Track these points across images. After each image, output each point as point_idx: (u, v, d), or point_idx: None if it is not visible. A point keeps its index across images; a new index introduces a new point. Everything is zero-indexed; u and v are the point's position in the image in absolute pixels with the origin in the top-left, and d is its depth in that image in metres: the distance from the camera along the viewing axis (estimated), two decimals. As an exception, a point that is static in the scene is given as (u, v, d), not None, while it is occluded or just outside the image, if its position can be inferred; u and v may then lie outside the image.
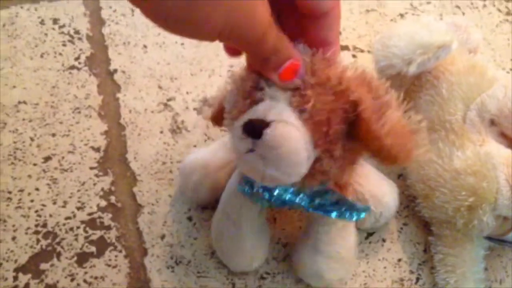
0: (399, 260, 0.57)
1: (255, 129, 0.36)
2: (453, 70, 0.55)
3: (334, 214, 0.47)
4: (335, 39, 0.39)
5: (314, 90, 0.37)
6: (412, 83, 0.58)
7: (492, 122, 0.54)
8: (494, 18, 0.76)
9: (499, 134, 0.54)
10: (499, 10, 0.77)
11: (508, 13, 0.76)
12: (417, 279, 0.56)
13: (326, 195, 0.46)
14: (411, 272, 0.57)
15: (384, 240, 0.58)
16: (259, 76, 0.38)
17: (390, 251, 0.58)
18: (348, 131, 0.38)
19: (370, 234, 0.58)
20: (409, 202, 0.60)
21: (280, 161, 0.36)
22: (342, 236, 0.51)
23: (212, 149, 0.57)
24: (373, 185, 0.54)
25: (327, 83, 0.37)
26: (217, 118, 0.47)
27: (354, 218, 0.48)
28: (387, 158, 0.38)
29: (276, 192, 0.45)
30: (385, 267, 0.57)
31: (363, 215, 0.49)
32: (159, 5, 0.30)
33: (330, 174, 0.40)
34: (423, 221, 0.59)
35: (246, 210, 0.50)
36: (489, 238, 0.54)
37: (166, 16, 0.31)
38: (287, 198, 0.46)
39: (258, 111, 0.37)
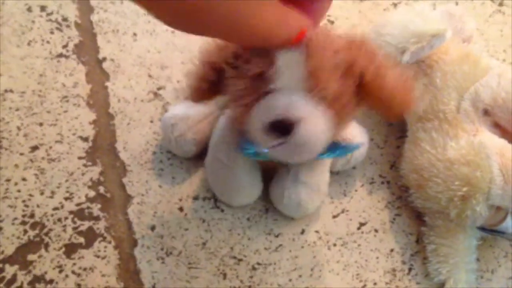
0: (392, 250, 0.57)
1: (283, 127, 0.36)
2: (447, 59, 0.55)
3: (328, 155, 0.48)
4: None
5: (327, 75, 0.37)
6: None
7: (486, 112, 0.54)
8: (487, 8, 0.75)
9: (492, 124, 0.54)
10: (492, 1, 0.76)
11: (501, 4, 0.76)
12: (410, 269, 0.56)
13: None
14: (404, 262, 0.56)
15: (376, 231, 0.58)
16: (262, 60, 0.37)
17: (382, 241, 0.57)
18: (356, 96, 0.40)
19: (362, 224, 0.58)
20: (401, 193, 0.60)
21: (308, 152, 0.38)
22: (321, 171, 0.54)
23: (190, 103, 0.57)
24: None
25: (336, 61, 0.37)
26: (200, 92, 0.46)
27: (344, 155, 0.51)
28: (391, 111, 0.41)
29: None
30: (377, 258, 0.56)
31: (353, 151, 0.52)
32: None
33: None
34: (416, 212, 0.58)
35: (236, 153, 0.52)
36: (481, 228, 0.53)
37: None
38: None
39: (280, 106, 0.37)
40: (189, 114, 0.57)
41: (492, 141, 0.51)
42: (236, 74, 0.39)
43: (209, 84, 0.43)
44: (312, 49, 0.37)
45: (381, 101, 0.40)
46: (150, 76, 0.65)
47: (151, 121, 0.62)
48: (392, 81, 0.40)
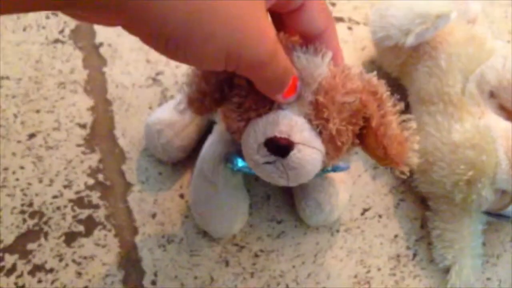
0: (396, 236, 0.56)
1: (279, 148, 0.36)
2: (452, 40, 0.53)
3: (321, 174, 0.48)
4: (323, 28, 0.36)
5: (334, 109, 0.37)
6: (410, 55, 0.56)
7: (491, 94, 0.52)
8: (491, -11, 0.74)
9: (498, 106, 0.53)
10: (496, -19, 0.75)
11: (505, -15, 0.75)
12: (414, 255, 0.56)
13: None
14: (408, 248, 0.56)
15: (380, 216, 0.57)
16: None
17: (386, 227, 0.57)
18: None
19: (366, 210, 0.57)
20: (405, 178, 0.59)
21: (299, 177, 0.38)
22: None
23: (173, 105, 0.56)
24: None
25: (347, 102, 0.37)
26: (199, 105, 0.42)
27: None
28: (383, 160, 0.40)
29: None
30: (381, 243, 0.56)
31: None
32: (159, 29, 0.27)
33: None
34: (420, 197, 0.57)
35: (222, 169, 0.50)
36: (487, 212, 0.53)
37: (166, 40, 0.27)
38: None
39: (280, 126, 0.36)
40: (175, 119, 0.54)
41: (498, 124, 0.50)
42: (246, 90, 0.38)
43: (211, 97, 0.40)
44: (324, 83, 0.36)
45: (377, 147, 0.40)
46: (148, 61, 0.64)
47: (150, 107, 0.61)
48: (395, 132, 0.39)
